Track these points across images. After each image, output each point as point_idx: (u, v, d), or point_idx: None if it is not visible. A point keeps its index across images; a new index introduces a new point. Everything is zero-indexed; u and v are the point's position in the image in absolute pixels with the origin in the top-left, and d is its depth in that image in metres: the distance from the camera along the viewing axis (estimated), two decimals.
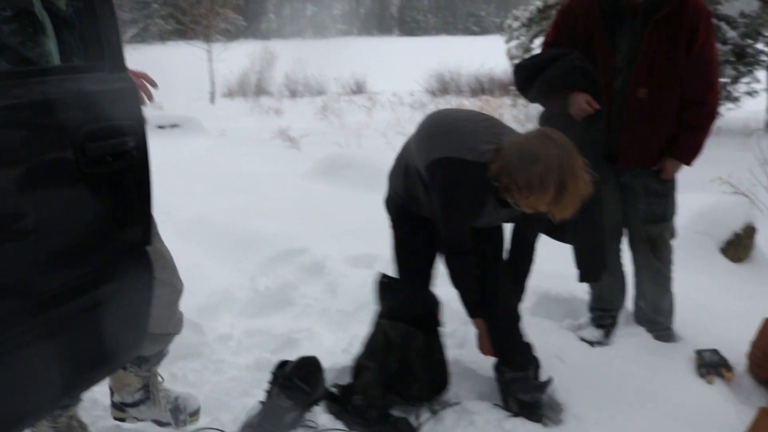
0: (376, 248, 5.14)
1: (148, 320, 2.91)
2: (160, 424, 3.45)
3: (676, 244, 4.24)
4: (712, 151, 4.98)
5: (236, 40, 29.10)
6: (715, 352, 3.90)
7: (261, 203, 7.11)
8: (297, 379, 3.39)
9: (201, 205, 6.80)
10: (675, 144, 3.93)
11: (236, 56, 25.38)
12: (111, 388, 3.41)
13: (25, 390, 2.35)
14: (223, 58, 25.28)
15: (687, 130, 3.92)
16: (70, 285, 2.42)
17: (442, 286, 3.64)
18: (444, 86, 27.16)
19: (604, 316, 4.38)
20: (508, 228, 3.63)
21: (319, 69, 27.88)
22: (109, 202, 2.55)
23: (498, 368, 3.64)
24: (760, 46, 16.61)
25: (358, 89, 28.36)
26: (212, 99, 25.15)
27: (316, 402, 3.50)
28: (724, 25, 15.65)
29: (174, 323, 3.29)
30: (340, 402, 3.68)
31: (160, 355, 3.37)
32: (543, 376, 3.63)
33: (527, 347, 3.62)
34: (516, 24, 19.55)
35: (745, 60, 15.96)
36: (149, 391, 3.39)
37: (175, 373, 3.88)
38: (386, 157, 3.87)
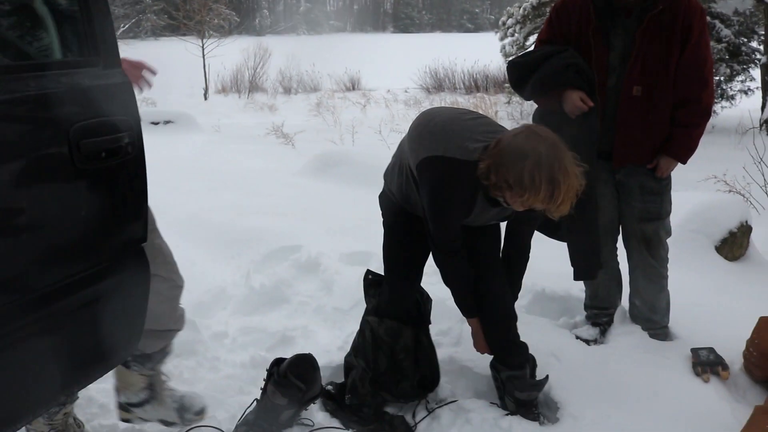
0: (371, 245, 5.12)
1: (144, 317, 2.90)
2: (166, 423, 3.44)
3: (671, 242, 4.23)
4: (707, 149, 4.99)
5: (229, 36, 29.04)
6: (710, 350, 3.90)
7: (255, 200, 7.11)
8: (292, 377, 3.37)
9: (195, 202, 6.80)
10: (669, 142, 3.93)
11: (230, 52, 25.32)
12: (116, 388, 3.39)
13: (21, 387, 2.35)
14: (216, 54, 25.23)
15: (681, 129, 3.91)
16: (65, 281, 2.41)
17: (437, 283, 3.63)
18: (438, 83, 27.22)
19: (599, 314, 4.38)
20: (502, 226, 3.63)
21: (313, 65, 27.87)
22: (104, 199, 2.54)
23: (494, 366, 3.63)
24: (754, 44, 16.66)
25: (353, 86, 28.37)
26: (206, 95, 25.10)
27: (311, 400, 3.49)
28: (718, 23, 15.69)
29: (175, 319, 3.28)
30: (336, 400, 3.68)
31: (164, 353, 3.35)
32: (539, 374, 3.63)
33: (523, 346, 3.62)
34: (510, 21, 19.54)
35: (739, 58, 16.01)
36: (154, 390, 3.37)
37: (170, 370, 3.85)
38: (381, 154, 3.87)
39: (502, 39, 19.92)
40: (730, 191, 7.49)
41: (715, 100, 15.81)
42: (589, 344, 4.19)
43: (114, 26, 2.65)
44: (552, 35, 4.04)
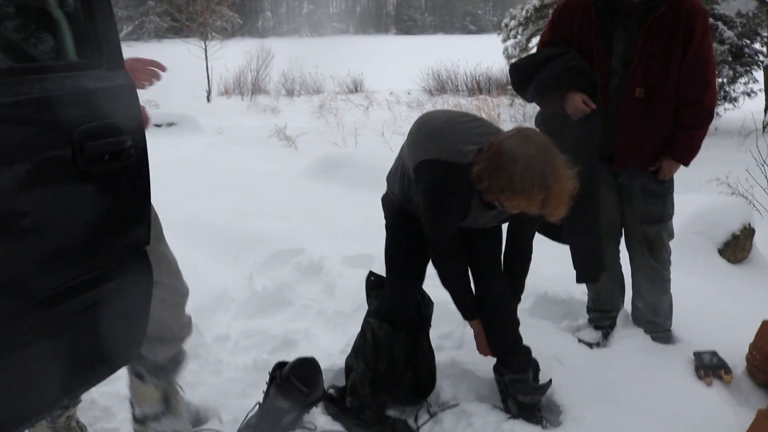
0: (374, 248, 5.11)
1: (147, 320, 2.90)
2: None
3: (673, 245, 4.23)
4: (709, 151, 4.98)
5: (232, 38, 29.05)
6: (713, 354, 3.89)
7: (258, 202, 7.09)
8: (295, 380, 3.37)
9: (198, 205, 6.79)
10: (672, 144, 3.92)
11: (232, 54, 25.32)
12: (131, 401, 3.39)
13: (24, 390, 2.35)
14: (219, 56, 25.23)
15: (684, 131, 3.90)
16: (68, 284, 2.41)
17: (439, 286, 3.63)
18: (441, 85, 27.20)
19: (602, 317, 4.38)
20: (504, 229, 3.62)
21: (316, 68, 27.87)
22: (107, 201, 2.54)
23: (497, 370, 3.63)
24: (757, 46, 16.64)
25: (355, 88, 28.37)
26: (209, 97, 25.11)
27: (314, 403, 3.50)
28: (721, 25, 15.66)
29: (181, 326, 3.28)
30: (338, 403, 3.67)
31: (177, 363, 3.35)
32: (542, 378, 3.62)
33: (525, 349, 3.62)
34: (513, 23, 19.55)
35: (742, 60, 15.99)
36: (170, 402, 3.37)
37: None
38: (383, 156, 3.87)
39: (504, 41, 19.94)
40: (732, 194, 7.48)
41: (718, 102, 15.79)
42: (591, 347, 4.19)
43: (117, 28, 2.65)
44: (554, 37, 4.04)
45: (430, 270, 3.59)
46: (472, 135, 3.15)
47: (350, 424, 3.56)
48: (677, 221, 4.25)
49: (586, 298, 4.48)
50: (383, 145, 10.75)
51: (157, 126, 13.18)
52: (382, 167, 3.75)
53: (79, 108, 2.40)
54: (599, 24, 3.86)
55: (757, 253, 5.80)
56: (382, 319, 3.66)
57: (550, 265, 4.56)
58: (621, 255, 4.34)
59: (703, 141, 3.98)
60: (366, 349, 3.67)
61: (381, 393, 3.63)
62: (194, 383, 3.83)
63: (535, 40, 17.10)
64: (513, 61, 5.59)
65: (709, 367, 3.82)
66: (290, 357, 3.61)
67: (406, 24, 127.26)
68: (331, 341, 4.39)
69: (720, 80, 15.70)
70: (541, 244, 3.73)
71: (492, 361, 3.65)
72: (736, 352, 3.92)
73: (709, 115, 3.94)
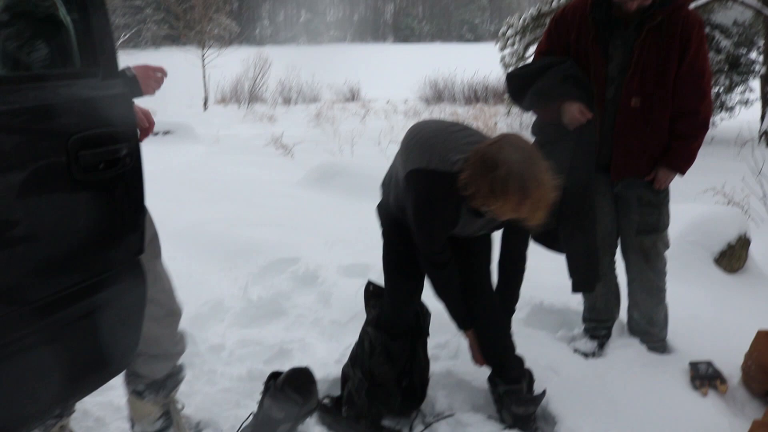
0: (370, 258, 5.12)
1: (140, 329, 2.90)
2: None
3: (669, 254, 4.23)
4: (705, 161, 4.99)
5: (230, 46, 29.09)
6: (709, 364, 3.89)
7: (254, 211, 7.09)
8: (289, 390, 3.36)
9: (193, 213, 6.79)
10: (668, 154, 3.92)
11: (230, 62, 25.37)
12: (130, 419, 3.39)
13: (16, 399, 2.34)
14: (216, 64, 25.27)
15: (679, 140, 3.90)
16: (61, 293, 2.41)
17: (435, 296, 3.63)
18: (438, 94, 27.23)
19: (598, 327, 4.37)
20: (497, 238, 3.62)
21: (313, 76, 27.91)
22: (101, 210, 2.54)
23: (492, 380, 3.63)
24: (753, 55, 16.68)
25: (352, 97, 28.40)
26: (205, 105, 25.11)
27: (308, 413, 3.48)
28: (717, 34, 15.72)
29: (175, 342, 3.30)
30: (333, 413, 3.66)
31: (175, 379, 3.36)
32: (537, 388, 3.62)
33: (519, 359, 3.61)
34: (510, 32, 19.56)
35: (738, 69, 16.03)
36: (170, 418, 3.36)
37: None
38: (380, 165, 3.87)
39: (501, 49, 19.94)
40: (728, 203, 7.48)
41: (715, 112, 15.82)
42: (587, 357, 4.18)
43: (113, 37, 2.65)
44: (551, 46, 4.04)
45: (428, 279, 3.58)
46: (461, 144, 3.16)
47: None
48: (673, 231, 4.25)
49: (581, 307, 4.47)
50: (380, 154, 10.77)
51: (154, 134, 13.15)
52: (379, 176, 3.75)
53: (74, 116, 2.40)
54: (596, 33, 3.87)
55: (753, 262, 5.80)
56: (381, 329, 3.65)
57: (546, 274, 4.56)
58: (617, 265, 4.34)
59: (699, 150, 3.98)
60: (363, 358, 3.66)
61: (377, 403, 3.62)
62: (188, 393, 3.81)
63: (532, 49, 17.07)
64: (510, 70, 5.59)
65: (705, 377, 3.82)
66: (285, 367, 3.60)
67: (404, 32, 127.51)
68: (326, 351, 4.37)
69: (716, 89, 15.75)
70: (536, 253, 3.73)
71: (487, 371, 3.65)
72: (731, 362, 3.92)
73: (704, 125, 3.95)
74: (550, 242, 4.11)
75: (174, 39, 31.86)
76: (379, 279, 3.76)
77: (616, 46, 3.87)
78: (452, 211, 3.20)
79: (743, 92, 16.63)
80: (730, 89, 16.32)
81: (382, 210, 3.70)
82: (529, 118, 4.89)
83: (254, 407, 3.51)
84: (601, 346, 4.31)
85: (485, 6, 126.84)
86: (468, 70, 26.60)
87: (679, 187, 4.19)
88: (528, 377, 3.62)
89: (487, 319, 3.54)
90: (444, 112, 20.71)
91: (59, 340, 2.45)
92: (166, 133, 13.56)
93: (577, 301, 4.55)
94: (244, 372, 4.06)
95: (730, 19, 16.75)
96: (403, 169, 3.27)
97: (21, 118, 2.23)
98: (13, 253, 2.21)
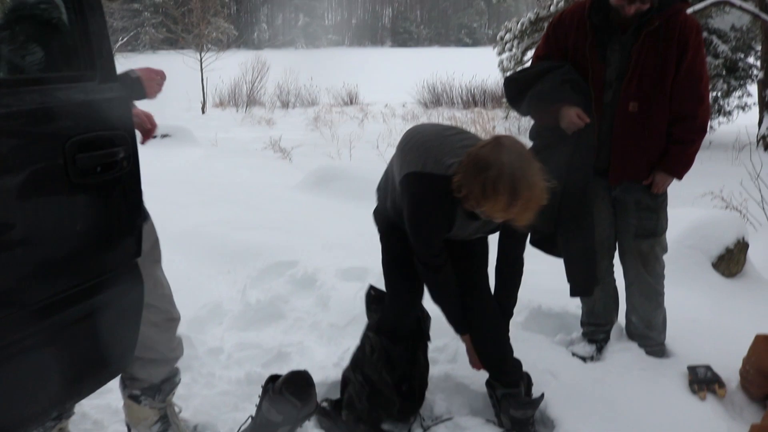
0: (368, 261, 5.12)
1: (137, 332, 2.90)
2: None
3: (667, 258, 4.23)
4: (704, 165, 4.99)
5: (228, 50, 29.10)
6: (708, 368, 3.88)
7: (252, 215, 7.09)
8: (288, 394, 3.36)
9: (192, 217, 6.78)
10: (665, 158, 3.92)
11: (228, 66, 25.36)
12: (127, 424, 3.39)
13: (14, 401, 2.34)
14: (214, 68, 25.27)
15: (677, 145, 3.90)
16: (59, 296, 2.41)
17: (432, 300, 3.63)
18: (436, 98, 27.24)
19: (596, 331, 4.37)
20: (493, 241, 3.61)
21: (311, 80, 27.91)
22: (99, 213, 2.54)
23: (490, 384, 3.62)
24: (751, 60, 16.72)
25: (350, 100, 28.41)
26: (203, 109, 25.11)
27: (307, 417, 3.48)
28: (715, 39, 15.74)
29: (172, 347, 3.31)
30: (332, 417, 3.66)
31: (172, 384, 3.36)
32: (535, 392, 3.62)
33: (516, 363, 3.61)
34: (508, 36, 19.62)
35: (736, 74, 16.06)
36: (167, 422, 3.36)
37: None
38: (378, 168, 3.87)
39: (499, 54, 20.00)
40: (727, 207, 7.49)
41: (713, 116, 15.85)
42: (585, 361, 4.18)
43: (111, 41, 2.65)
44: (549, 51, 4.05)
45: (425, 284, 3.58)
46: (456, 148, 3.16)
47: None
48: (671, 235, 4.25)
49: (580, 311, 4.47)
50: (378, 157, 10.77)
51: (153, 137, 13.12)
52: (377, 180, 3.75)
53: (71, 120, 2.40)
54: (594, 38, 3.87)
55: (751, 267, 5.80)
56: (382, 334, 3.65)
57: (544, 278, 4.56)
58: (615, 269, 4.33)
59: (697, 155, 3.98)
60: (364, 362, 3.66)
61: (377, 408, 3.62)
62: (186, 396, 3.81)
63: (530, 53, 17.12)
64: (508, 74, 5.60)
65: (703, 381, 3.81)
66: (283, 370, 3.60)
67: (402, 36, 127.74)
68: (324, 354, 4.37)
69: (714, 94, 15.78)
70: (535, 257, 3.73)
71: (485, 375, 3.65)
72: (730, 366, 3.92)
73: (702, 130, 3.95)
74: (548, 246, 4.12)
75: (172, 42, 31.86)
76: (378, 282, 3.76)
77: (613, 51, 3.87)
78: (448, 214, 3.20)
79: (741, 97, 16.66)
80: (728, 94, 16.35)
81: (379, 215, 3.69)
82: (528, 122, 4.89)
83: (252, 410, 3.51)
84: (600, 350, 4.31)
85: (483, 10, 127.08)
86: (466, 74, 26.63)
87: (677, 191, 4.20)
88: (526, 380, 3.62)
89: (486, 323, 3.54)
90: (442, 116, 20.73)
91: (56, 343, 2.45)
92: (164, 136, 13.53)
93: (575, 305, 4.55)
94: (242, 375, 4.06)
95: (727, 24, 16.78)
96: (399, 173, 3.27)
97: (18, 121, 2.23)
98: (10, 256, 2.22)
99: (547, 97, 3.85)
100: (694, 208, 6.57)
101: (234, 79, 27.26)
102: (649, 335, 4.23)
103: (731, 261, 5.63)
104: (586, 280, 4.06)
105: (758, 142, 13.47)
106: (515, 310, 3.71)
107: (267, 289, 5.23)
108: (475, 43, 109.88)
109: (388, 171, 3.59)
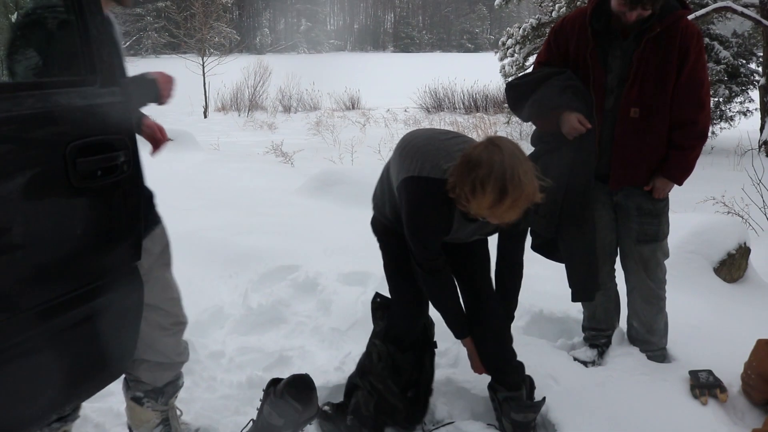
0: (369, 265, 5.12)
1: (137, 336, 2.91)
2: None
3: (669, 264, 4.22)
4: (705, 170, 5.00)
5: (230, 54, 29.15)
6: (709, 372, 3.88)
7: (253, 219, 7.09)
8: (289, 398, 3.36)
9: (193, 221, 6.78)
10: (665, 163, 3.92)
11: (230, 70, 25.41)
12: (129, 427, 3.39)
13: (12, 404, 2.34)
14: (216, 72, 25.31)
15: (677, 150, 3.90)
16: (58, 299, 2.42)
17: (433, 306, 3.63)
18: (438, 103, 27.28)
19: (597, 335, 4.37)
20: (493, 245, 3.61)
21: (313, 84, 27.94)
22: (99, 217, 2.54)
23: (492, 387, 3.62)
24: (753, 65, 16.75)
25: (352, 105, 28.44)
26: (206, 113, 25.15)
27: (308, 421, 3.47)
28: (717, 45, 15.75)
29: (179, 352, 3.30)
30: (333, 421, 3.66)
31: (175, 387, 3.36)
32: (537, 396, 3.61)
33: (519, 366, 3.61)
34: (510, 41, 19.64)
35: (738, 79, 16.08)
36: (169, 425, 3.36)
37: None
38: (380, 173, 3.87)
39: (501, 59, 20.02)
40: (728, 213, 7.49)
41: (715, 121, 15.87)
42: (587, 366, 4.18)
43: (110, 44, 2.66)
44: (550, 57, 4.05)
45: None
46: (452, 151, 3.16)
47: None
48: (673, 240, 4.25)
49: (581, 316, 4.47)
50: (380, 162, 10.75)
51: None
52: None
53: (71, 124, 2.41)
54: (595, 44, 3.87)
55: (753, 272, 5.80)
56: (389, 341, 3.65)
57: (546, 283, 4.56)
58: (616, 274, 4.33)
59: (699, 160, 3.98)
60: (372, 370, 3.66)
61: (383, 416, 3.62)
62: (188, 400, 3.81)
63: (532, 59, 17.16)
64: (510, 79, 5.60)
65: (705, 386, 3.81)
66: (285, 374, 3.60)
67: (404, 41, 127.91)
68: (326, 358, 4.37)
69: (716, 99, 15.79)
70: (536, 262, 3.73)
71: (487, 379, 3.65)
72: (731, 371, 3.91)
73: (702, 136, 3.95)
74: (549, 251, 4.12)
75: (174, 47, 31.94)
76: (379, 287, 3.76)
77: (615, 57, 3.88)
78: (445, 217, 3.21)
79: (743, 102, 16.68)
80: (729, 99, 16.37)
81: (377, 224, 3.69)
82: (529, 127, 4.89)
83: (254, 414, 3.51)
84: (601, 354, 4.31)
85: (485, 16, 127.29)
86: (468, 79, 26.66)
87: (679, 196, 4.20)
88: (529, 384, 3.62)
89: (489, 324, 3.53)
90: (444, 121, 20.73)
91: (55, 346, 2.45)
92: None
93: (576, 310, 4.55)
94: (243, 379, 4.06)
95: (729, 30, 16.82)
96: (397, 178, 3.28)
97: (19, 125, 2.24)
98: (10, 260, 2.22)
99: (549, 102, 3.85)
100: (696, 213, 6.58)
101: (236, 84, 27.31)
102: (651, 340, 4.23)
103: (733, 266, 5.63)
104: (587, 285, 4.06)
105: (760, 147, 13.47)
106: (516, 315, 3.71)
107: (268, 293, 5.23)
108: (477, 48, 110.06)
109: (383, 177, 3.59)
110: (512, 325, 3.67)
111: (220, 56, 27.57)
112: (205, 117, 24.65)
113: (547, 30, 13.08)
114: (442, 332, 3.84)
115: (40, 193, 2.30)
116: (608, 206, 4.09)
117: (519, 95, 4.02)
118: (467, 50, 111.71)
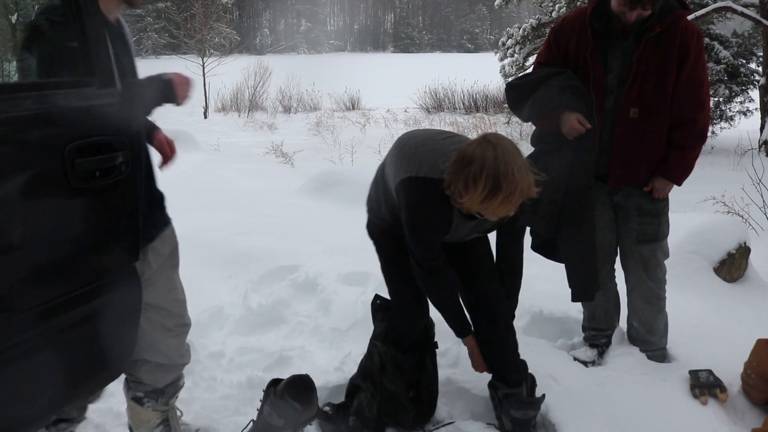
0: (369, 266, 5.10)
1: (135, 337, 2.91)
2: None
3: (669, 263, 4.22)
4: (705, 170, 4.99)
5: (230, 55, 29.15)
6: (709, 372, 3.88)
7: (253, 219, 7.09)
8: (289, 398, 3.36)
9: (194, 221, 6.76)
10: (665, 163, 3.92)
11: (230, 71, 25.41)
12: (129, 426, 3.38)
13: (11, 404, 2.34)
14: (216, 73, 25.31)
15: (677, 150, 3.90)
16: (57, 300, 2.42)
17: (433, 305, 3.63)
18: (438, 103, 27.28)
19: (597, 335, 4.37)
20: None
21: (313, 85, 27.94)
22: (97, 218, 2.54)
23: (492, 385, 3.62)
24: (753, 65, 16.76)
25: (352, 105, 28.45)
26: (206, 114, 25.16)
27: (308, 421, 3.47)
28: (717, 45, 15.76)
29: (182, 354, 3.30)
30: (333, 421, 3.66)
31: (176, 387, 3.36)
32: (537, 395, 3.61)
33: (522, 363, 3.61)
34: (510, 42, 19.65)
35: (738, 79, 16.09)
36: (169, 426, 3.36)
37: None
38: None
39: (501, 59, 20.03)
40: (728, 212, 7.49)
41: (715, 121, 15.87)
42: (587, 366, 4.18)
43: (109, 45, 2.66)
44: (550, 57, 4.05)
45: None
46: (449, 151, 3.17)
47: None
48: (673, 240, 4.25)
49: (581, 316, 4.47)
50: (379, 162, 10.72)
51: None
52: None
53: (70, 125, 2.40)
54: (595, 44, 3.87)
55: (753, 271, 5.80)
56: (390, 343, 3.65)
57: (546, 283, 4.56)
58: (616, 274, 4.34)
59: (699, 160, 3.98)
60: (373, 371, 3.66)
61: (386, 418, 3.63)
62: (188, 400, 3.81)
63: (532, 59, 17.18)
64: (510, 80, 5.60)
65: (705, 385, 3.81)
66: (285, 374, 3.60)
67: (404, 42, 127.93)
68: (326, 359, 4.37)
69: (716, 99, 15.80)
70: (536, 262, 3.73)
71: (487, 378, 3.65)
72: (731, 370, 3.91)
73: (702, 136, 3.95)
74: (549, 251, 4.12)
75: (174, 48, 31.93)
76: (379, 288, 3.76)
77: (615, 57, 3.88)
78: (445, 216, 3.22)
79: (743, 102, 16.68)
80: (729, 99, 16.37)
81: (373, 227, 3.69)
82: (529, 127, 4.89)
83: (254, 414, 3.51)
84: (601, 354, 4.31)
85: (485, 16, 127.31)
86: (468, 80, 26.66)
87: (679, 196, 4.19)
88: (530, 382, 3.62)
89: (493, 320, 3.54)
90: (444, 121, 20.74)
91: (54, 347, 2.45)
92: None
93: (576, 310, 4.55)
94: (243, 379, 4.06)
95: (729, 30, 16.83)
96: (395, 179, 3.28)
97: (18, 126, 2.24)
98: (9, 260, 2.22)
99: (549, 102, 3.85)
100: (696, 213, 6.57)
101: (236, 84, 27.31)
102: (651, 340, 4.23)
103: (733, 266, 5.63)
104: (587, 285, 4.05)
105: (760, 147, 13.47)
106: (516, 315, 3.72)
107: (268, 293, 5.23)
108: (477, 48, 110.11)
109: (377, 180, 3.59)
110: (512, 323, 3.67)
111: (220, 57, 27.59)
112: (205, 117, 24.66)
113: (547, 30, 13.08)
114: (443, 332, 3.84)
115: (39, 194, 2.30)
116: (608, 206, 4.10)
117: (519, 95, 4.02)
118: (467, 50, 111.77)
